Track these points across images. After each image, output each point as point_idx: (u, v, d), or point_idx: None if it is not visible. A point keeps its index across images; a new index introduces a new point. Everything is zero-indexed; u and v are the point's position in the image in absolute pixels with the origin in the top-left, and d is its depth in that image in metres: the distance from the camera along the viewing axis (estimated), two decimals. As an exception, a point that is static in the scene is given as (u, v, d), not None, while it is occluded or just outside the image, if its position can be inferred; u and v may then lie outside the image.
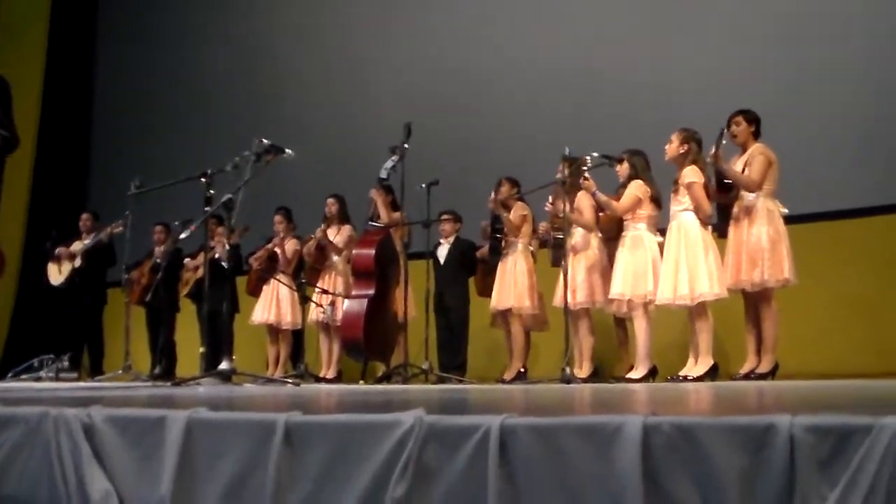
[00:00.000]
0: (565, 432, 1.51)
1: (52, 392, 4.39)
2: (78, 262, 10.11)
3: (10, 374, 9.74)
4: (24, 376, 9.61)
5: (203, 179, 6.27)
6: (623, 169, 7.23)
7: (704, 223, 6.70)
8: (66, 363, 9.66)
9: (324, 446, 1.64)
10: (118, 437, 1.82)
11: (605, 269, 7.35)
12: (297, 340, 9.35)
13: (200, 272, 9.51)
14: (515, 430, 1.53)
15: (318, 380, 8.72)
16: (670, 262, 6.68)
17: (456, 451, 1.56)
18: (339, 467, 1.61)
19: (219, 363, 6.20)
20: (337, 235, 9.15)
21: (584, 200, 7.46)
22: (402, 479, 1.56)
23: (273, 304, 9.48)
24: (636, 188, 7.08)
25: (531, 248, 8.21)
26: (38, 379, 9.30)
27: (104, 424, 1.84)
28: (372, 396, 3.41)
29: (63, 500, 1.79)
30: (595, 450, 1.48)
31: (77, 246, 10.23)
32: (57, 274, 10.21)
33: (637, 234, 7.09)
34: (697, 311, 6.62)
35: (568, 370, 6.58)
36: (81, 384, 7.57)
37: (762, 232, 6.41)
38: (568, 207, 7.20)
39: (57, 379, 9.07)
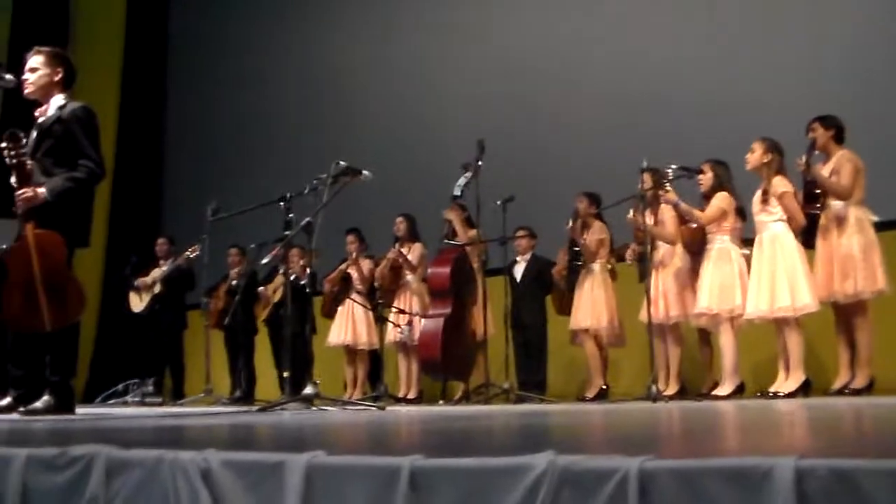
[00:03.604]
0: (709, 477, 1.43)
1: (143, 420, 4.41)
2: (158, 289, 10.23)
3: (97, 400, 9.88)
4: (111, 401, 9.75)
5: (282, 204, 6.28)
6: (706, 179, 7.09)
7: (798, 233, 6.55)
8: (150, 388, 9.78)
9: (452, 492, 1.57)
10: (236, 482, 1.77)
11: (693, 281, 7.23)
12: (373, 361, 9.36)
13: (278, 296, 9.56)
14: (655, 474, 1.46)
15: (398, 400, 8.69)
16: (765, 275, 6.52)
17: (592, 497, 1.48)
18: (469, 514, 1.55)
19: (300, 386, 6.20)
20: (409, 254, 9.13)
21: (667, 213, 7.36)
22: (536, 526, 1.49)
23: (349, 325, 9.51)
24: (721, 200, 6.95)
25: (610, 267, 8.14)
26: (125, 404, 9.42)
27: (221, 469, 1.79)
28: (496, 430, 3.35)
29: (183, 547, 1.75)
30: (743, 496, 1.39)
31: (156, 272, 10.35)
32: (138, 301, 10.36)
33: (723, 246, 6.95)
34: (789, 324, 6.46)
35: (654, 387, 6.47)
36: (169, 409, 7.62)
37: (853, 242, 6.25)
38: (650, 220, 7.10)
39: (143, 404, 9.17)
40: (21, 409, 4.82)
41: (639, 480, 1.45)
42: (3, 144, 4.93)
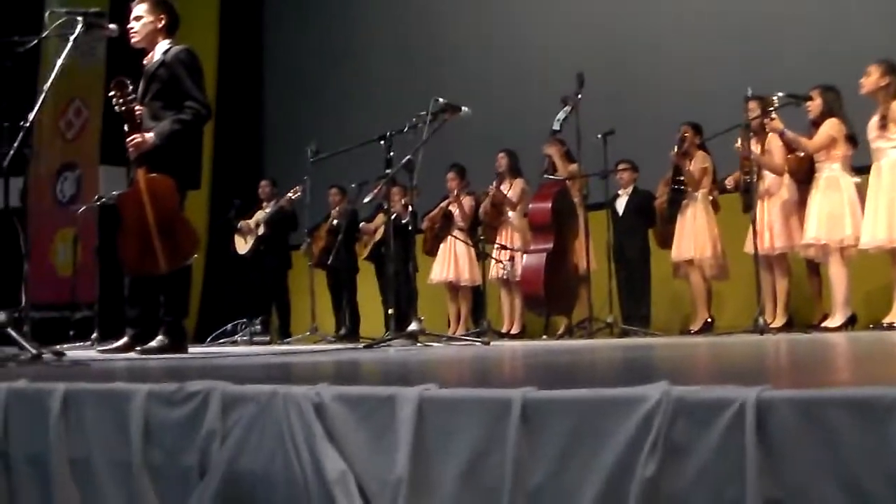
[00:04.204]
0: (831, 407, 1.39)
1: (253, 358, 4.52)
2: (262, 230, 10.39)
3: (208, 340, 10.14)
4: (220, 341, 9.99)
5: (382, 142, 6.28)
6: (814, 106, 6.86)
7: None
8: (258, 327, 9.99)
9: (564, 423, 1.56)
10: (349, 415, 1.80)
11: (800, 211, 7.03)
12: (476, 297, 9.39)
13: (379, 234, 9.63)
14: (773, 404, 1.42)
15: (502, 336, 8.73)
16: (883, 203, 6.30)
17: (708, 427, 1.46)
18: (582, 445, 1.54)
19: (405, 322, 6.26)
20: (510, 190, 9.11)
21: (774, 142, 7.15)
22: (651, 457, 1.47)
23: (451, 261, 9.54)
24: (830, 127, 6.72)
25: (711, 198, 7.99)
26: (235, 343, 9.64)
27: (334, 403, 1.81)
28: (604, 363, 3.33)
29: (299, 479, 1.78)
30: (867, 426, 1.35)
31: (259, 215, 10.51)
32: (243, 244, 10.53)
33: (832, 175, 6.74)
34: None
35: (761, 319, 6.35)
36: (277, 347, 7.79)
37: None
38: (757, 150, 6.92)
39: (251, 343, 9.37)
40: (137, 348, 4.98)
41: (756, 411, 1.42)
42: (112, 93, 5.05)
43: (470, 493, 1.64)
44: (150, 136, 5.01)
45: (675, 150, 7.88)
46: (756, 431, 1.41)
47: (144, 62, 5.33)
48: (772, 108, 6.81)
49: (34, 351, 3.89)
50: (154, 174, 4.99)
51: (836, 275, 6.72)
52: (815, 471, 1.39)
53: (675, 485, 1.46)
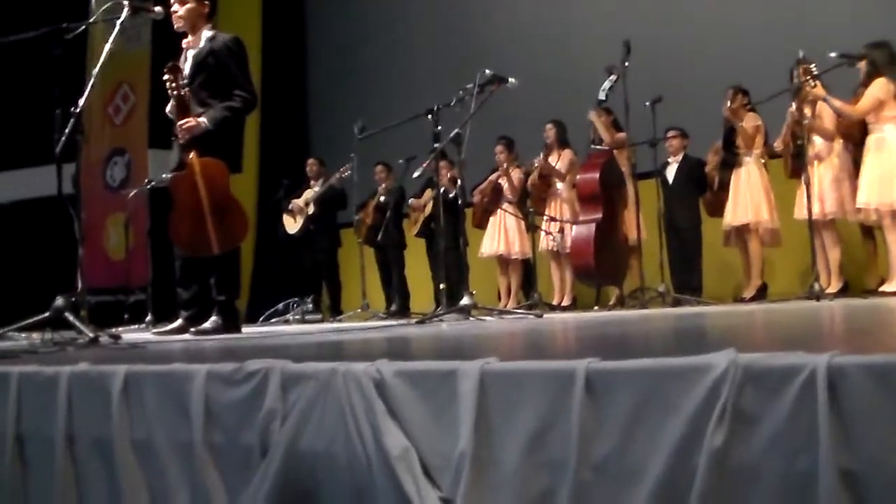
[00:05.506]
0: (905, 371, 1.35)
1: (307, 336, 4.53)
2: (312, 210, 10.41)
3: (260, 320, 10.21)
4: (273, 320, 10.05)
5: (429, 116, 6.24)
6: (862, 66, 6.69)
7: None
8: (310, 305, 10.04)
9: (629, 394, 1.54)
10: (410, 391, 1.78)
11: (852, 176, 6.89)
12: (526, 270, 9.34)
13: (428, 209, 9.61)
14: (846, 370, 1.38)
15: (553, 308, 8.69)
16: None
17: (778, 395, 1.42)
18: (648, 416, 1.51)
19: (456, 297, 6.24)
20: (558, 161, 9.03)
21: (824, 107, 7.00)
22: (719, 426, 1.44)
23: (501, 235, 9.49)
24: (878, 88, 6.55)
25: (763, 161, 7.85)
26: (287, 322, 9.69)
27: (394, 379, 1.80)
28: (664, 332, 3.29)
29: (361, 457, 1.78)
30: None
31: (309, 194, 10.52)
32: (292, 223, 10.55)
33: (881, 136, 6.57)
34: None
35: (817, 285, 6.24)
36: (330, 325, 7.82)
37: None
38: (808, 114, 6.78)
39: (304, 321, 9.42)
40: (192, 329, 5.03)
41: (827, 377, 1.39)
42: (166, 77, 5.09)
43: (534, 467, 1.62)
44: (203, 120, 5.07)
45: (728, 104, 7.73)
46: (828, 399, 1.38)
47: (184, 44, 5.36)
48: (810, 76, 6.63)
49: (91, 334, 3.93)
50: (207, 157, 5.03)
51: (891, 239, 6.58)
52: (893, 440, 1.35)
53: (744, 455, 1.44)
